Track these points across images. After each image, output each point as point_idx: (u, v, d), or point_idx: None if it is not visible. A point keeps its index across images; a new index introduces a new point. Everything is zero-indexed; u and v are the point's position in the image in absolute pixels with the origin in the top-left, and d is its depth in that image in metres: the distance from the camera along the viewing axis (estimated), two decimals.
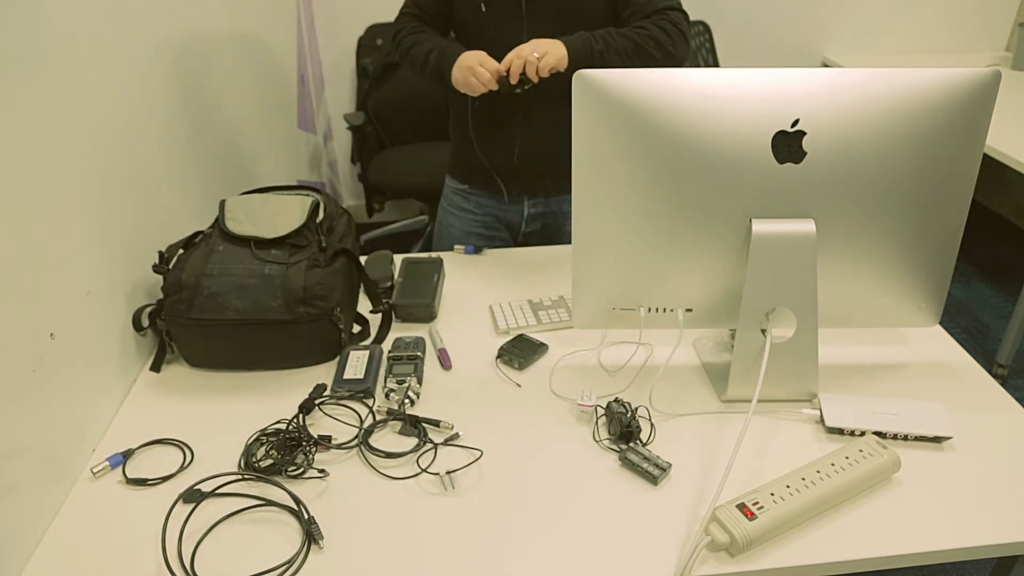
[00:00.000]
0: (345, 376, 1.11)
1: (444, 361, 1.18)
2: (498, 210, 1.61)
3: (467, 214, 1.62)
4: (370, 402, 1.09)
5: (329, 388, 1.11)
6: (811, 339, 1.02)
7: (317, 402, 1.08)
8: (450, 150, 1.64)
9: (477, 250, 1.44)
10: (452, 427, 1.04)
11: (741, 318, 1.01)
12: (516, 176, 1.55)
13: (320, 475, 0.96)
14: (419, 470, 0.97)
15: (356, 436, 1.02)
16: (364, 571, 0.83)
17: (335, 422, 1.06)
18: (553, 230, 1.64)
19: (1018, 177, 3.26)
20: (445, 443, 1.01)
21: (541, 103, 1.44)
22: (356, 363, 1.14)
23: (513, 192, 1.58)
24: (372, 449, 1.00)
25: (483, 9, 1.35)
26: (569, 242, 1.60)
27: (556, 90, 1.36)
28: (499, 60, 1.33)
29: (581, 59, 1.31)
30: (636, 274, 1.05)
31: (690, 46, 1.57)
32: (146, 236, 1.22)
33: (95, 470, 0.96)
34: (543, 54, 1.28)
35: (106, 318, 1.09)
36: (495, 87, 1.31)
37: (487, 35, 1.41)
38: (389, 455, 0.99)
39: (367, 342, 1.24)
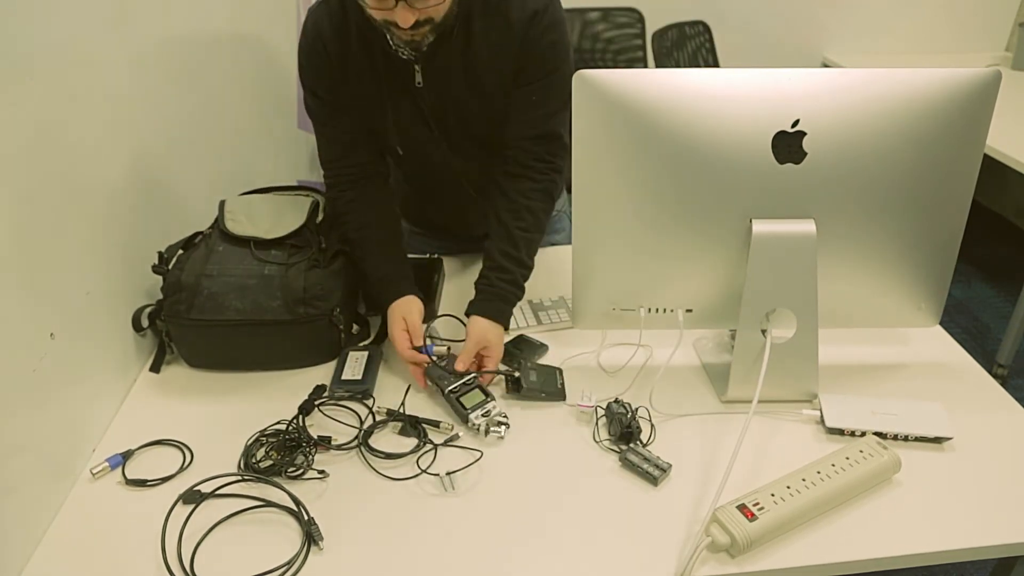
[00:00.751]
0: (343, 377, 1.11)
1: None
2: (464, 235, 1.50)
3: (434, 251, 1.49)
4: (370, 402, 1.09)
5: (327, 389, 1.11)
6: (811, 339, 1.02)
7: (317, 403, 1.08)
8: (400, 203, 1.43)
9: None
10: (452, 428, 1.04)
11: (741, 318, 1.01)
12: (479, 224, 1.40)
13: (320, 476, 0.96)
14: (419, 471, 0.97)
15: (356, 437, 1.02)
16: (364, 571, 0.83)
17: (335, 423, 1.06)
18: None
19: (1018, 177, 3.26)
20: (445, 444, 1.01)
21: (477, 170, 1.34)
22: (355, 364, 1.14)
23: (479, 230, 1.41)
24: (372, 450, 1.00)
25: (400, 152, 1.28)
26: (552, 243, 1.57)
27: (476, 149, 1.28)
28: (438, 185, 1.29)
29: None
30: (636, 274, 1.04)
31: (560, 189, 1.32)
32: (146, 236, 1.22)
33: (95, 471, 0.96)
34: (499, 354, 1.15)
35: (106, 318, 1.09)
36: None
37: (415, 167, 1.33)
38: (389, 456, 0.99)
39: (366, 342, 1.24)
